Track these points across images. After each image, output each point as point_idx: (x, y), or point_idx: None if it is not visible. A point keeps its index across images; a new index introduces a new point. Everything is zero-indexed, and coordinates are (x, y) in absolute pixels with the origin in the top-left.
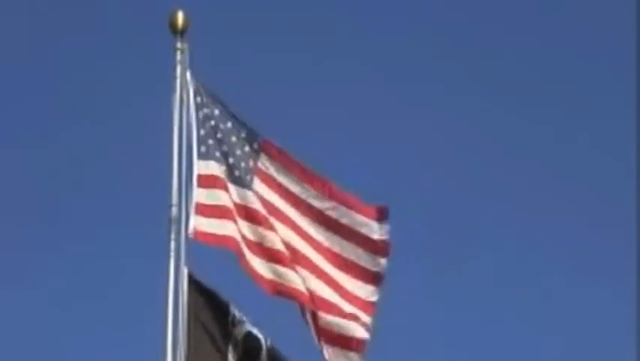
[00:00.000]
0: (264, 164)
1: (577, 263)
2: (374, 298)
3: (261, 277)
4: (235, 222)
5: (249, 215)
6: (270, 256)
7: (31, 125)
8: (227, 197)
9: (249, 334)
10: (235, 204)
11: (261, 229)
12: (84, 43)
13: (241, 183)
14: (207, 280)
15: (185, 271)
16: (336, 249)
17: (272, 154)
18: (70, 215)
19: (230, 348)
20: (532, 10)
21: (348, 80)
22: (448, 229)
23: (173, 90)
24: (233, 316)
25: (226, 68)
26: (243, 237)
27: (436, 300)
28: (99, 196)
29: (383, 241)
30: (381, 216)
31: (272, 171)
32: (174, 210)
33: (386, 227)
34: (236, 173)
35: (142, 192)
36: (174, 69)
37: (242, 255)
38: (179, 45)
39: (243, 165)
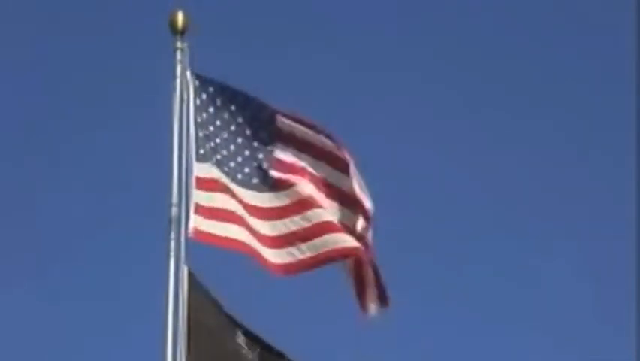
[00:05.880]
0: (282, 122)
1: (576, 262)
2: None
3: (277, 265)
4: (241, 223)
5: (263, 213)
6: (293, 237)
7: (30, 124)
8: (230, 200)
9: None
10: (245, 205)
11: (282, 220)
12: (84, 42)
13: (249, 184)
14: (207, 280)
15: (185, 271)
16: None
17: (284, 114)
18: (70, 214)
19: (235, 345)
20: (531, 9)
21: (350, 82)
22: (449, 226)
23: (173, 90)
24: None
25: (226, 68)
26: (256, 234)
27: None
28: (99, 195)
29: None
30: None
31: (290, 126)
32: (174, 209)
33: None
34: (239, 176)
35: (142, 191)
36: (174, 69)
37: (256, 254)
38: (179, 45)
39: (254, 164)
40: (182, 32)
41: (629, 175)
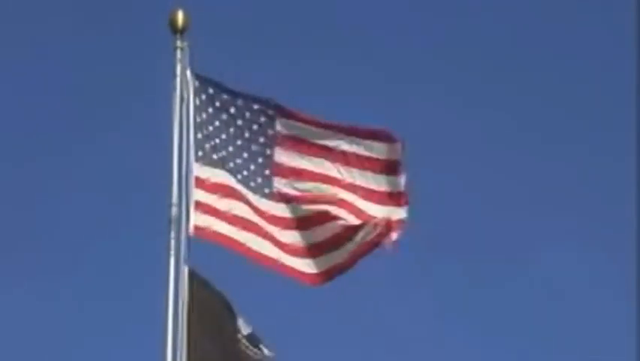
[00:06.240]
0: (283, 124)
1: (576, 262)
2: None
3: (304, 274)
4: (245, 225)
5: (272, 220)
6: (313, 248)
7: (30, 124)
8: (230, 199)
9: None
10: (252, 208)
11: (293, 231)
12: (84, 42)
13: (248, 186)
14: (207, 280)
15: (185, 270)
16: (357, 181)
17: (287, 114)
18: (70, 214)
19: (237, 343)
20: (531, 9)
21: (350, 82)
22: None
23: (173, 89)
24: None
25: (226, 67)
26: (275, 241)
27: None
28: (99, 195)
29: (395, 161)
30: (390, 138)
31: (292, 128)
32: (174, 209)
33: (397, 147)
34: (239, 177)
35: (142, 191)
36: (174, 68)
37: (270, 261)
38: (179, 44)
39: (252, 167)
40: (182, 31)
41: (629, 175)
